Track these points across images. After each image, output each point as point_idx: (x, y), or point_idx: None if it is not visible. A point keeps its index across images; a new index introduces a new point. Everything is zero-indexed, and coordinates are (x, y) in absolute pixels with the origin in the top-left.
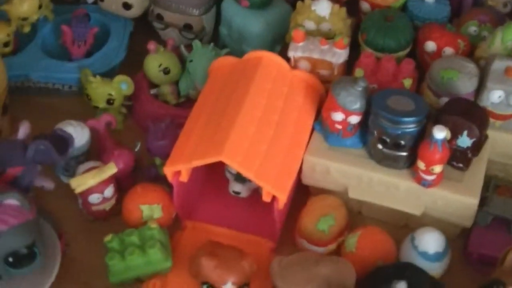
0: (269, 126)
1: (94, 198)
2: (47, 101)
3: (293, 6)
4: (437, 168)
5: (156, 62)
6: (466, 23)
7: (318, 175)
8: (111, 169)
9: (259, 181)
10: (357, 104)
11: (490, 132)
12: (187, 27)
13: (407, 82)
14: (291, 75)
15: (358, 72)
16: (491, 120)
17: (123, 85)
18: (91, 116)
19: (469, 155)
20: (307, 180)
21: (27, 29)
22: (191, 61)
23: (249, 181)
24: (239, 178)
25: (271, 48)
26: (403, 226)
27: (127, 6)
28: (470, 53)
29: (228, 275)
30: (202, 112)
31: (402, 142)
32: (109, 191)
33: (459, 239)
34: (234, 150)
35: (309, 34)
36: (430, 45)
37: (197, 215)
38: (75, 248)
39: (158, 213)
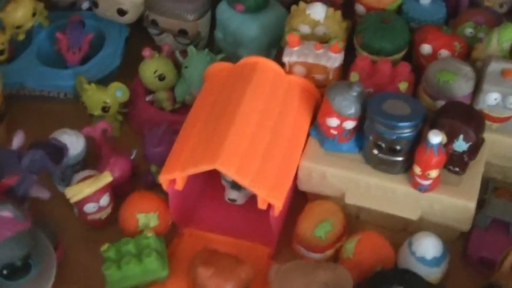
0: (265, 132)
1: (89, 207)
2: (43, 108)
3: (288, 9)
4: (433, 173)
5: (152, 68)
6: (462, 24)
7: (314, 181)
8: (106, 178)
9: (254, 189)
10: (352, 109)
11: (487, 135)
12: (182, 32)
13: (403, 86)
14: (286, 80)
15: (354, 76)
16: (488, 122)
17: (118, 92)
18: (87, 122)
19: (466, 159)
20: (303, 186)
21: (21, 37)
22: (186, 67)
23: (245, 188)
24: (235, 185)
25: (266, 52)
26: (401, 229)
27: (122, 12)
28: (466, 55)
29: (225, 283)
30: (197, 119)
31: (398, 147)
32: (104, 200)
33: (458, 241)
34: (229, 158)
35: (304, 38)
36: (426, 48)
37: (194, 222)
38: (72, 257)
39: (154, 222)
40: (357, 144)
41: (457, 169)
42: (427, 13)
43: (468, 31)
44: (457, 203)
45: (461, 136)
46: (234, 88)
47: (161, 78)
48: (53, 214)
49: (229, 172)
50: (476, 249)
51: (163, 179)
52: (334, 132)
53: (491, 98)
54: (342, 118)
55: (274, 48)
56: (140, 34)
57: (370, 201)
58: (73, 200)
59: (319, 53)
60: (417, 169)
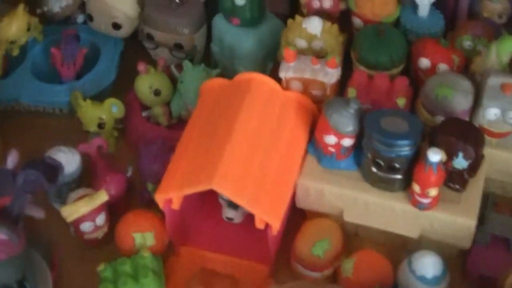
0: (261, 150)
1: (86, 226)
2: (38, 124)
3: (285, 21)
4: (433, 191)
5: (147, 83)
6: (461, 37)
7: (312, 199)
8: (102, 197)
9: (251, 209)
10: (350, 127)
11: (486, 150)
12: (178, 46)
13: (401, 101)
14: (282, 96)
15: (351, 92)
16: (488, 137)
17: (113, 108)
18: (83, 137)
19: (466, 176)
20: (301, 203)
21: (16, 52)
22: (182, 82)
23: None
24: (232, 204)
25: (263, 66)
26: (400, 247)
27: (116, 26)
28: (465, 68)
29: None
30: (192, 136)
31: (397, 165)
32: (101, 218)
33: (458, 257)
34: (225, 178)
35: (300, 52)
36: (424, 62)
37: (191, 241)
38: (67, 277)
39: (150, 241)
40: (356, 161)
41: (457, 186)
42: (425, 25)
43: (467, 43)
44: (457, 221)
45: (461, 154)
46: (229, 105)
47: (157, 93)
48: (49, 232)
49: (226, 192)
50: (476, 266)
51: (159, 198)
52: (332, 149)
53: (490, 113)
54: (340, 136)
55: (271, 62)
56: (135, 47)
57: (369, 219)
58: (69, 219)
59: (316, 68)
60: (416, 187)
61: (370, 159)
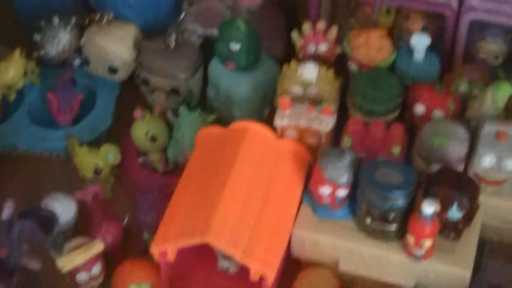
0: (256, 200)
1: (81, 276)
2: (35, 169)
3: (281, 63)
4: (427, 242)
5: (143, 129)
6: (456, 81)
7: (308, 249)
8: (98, 247)
9: (245, 262)
10: (345, 178)
11: (482, 198)
12: (174, 91)
13: (396, 150)
14: (277, 145)
15: (346, 140)
16: (483, 185)
17: (110, 155)
18: (80, 182)
19: (461, 226)
20: (297, 253)
21: (12, 97)
22: (178, 128)
23: None
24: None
25: (259, 111)
26: None
27: (113, 70)
28: (461, 112)
29: None
30: (187, 186)
31: (391, 217)
32: (96, 268)
33: None
34: (219, 231)
35: (296, 99)
36: (420, 108)
37: None
38: None
39: None
40: (351, 210)
41: (452, 235)
42: (421, 69)
43: (463, 87)
44: (452, 271)
45: (455, 205)
46: (224, 155)
47: (153, 139)
48: (45, 280)
49: (220, 245)
50: None
51: (155, 250)
52: (327, 200)
53: (486, 161)
54: (334, 186)
55: (267, 106)
56: (131, 91)
57: (364, 268)
58: (65, 270)
59: (311, 116)
60: (410, 239)
61: (365, 211)
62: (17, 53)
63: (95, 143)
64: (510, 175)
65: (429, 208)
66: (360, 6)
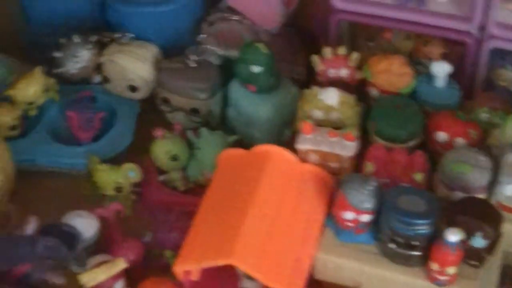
0: (280, 224)
1: None
2: (55, 185)
3: (302, 87)
4: (451, 270)
5: (164, 149)
6: (477, 109)
7: (330, 272)
8: (121, 265)
9: (270, 284)
10: (369, 204)
11: (505, 226)
12: (194, 111)
13: (418, 177)
14: (299, 169)
15: (368, 166)
16: (506, 213)
17: (131, 173)
18: (100, 199)
19: (484, 254)
20: (319, 275)
21: (33, 113)
22: (199, 148)
23: None
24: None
25: (280, 132)
26: None
27: (133, 89)
28: (482, 140)
29: None
30: (211, 206)
31: (415, 243)
32: (119, 285)
33: None
34: (244, 252)
35: (317, 123)
36: (441, 136)
37: None
38: None
39: None
40: (373, 235)
41: (474, 262)
42: (441, 96)
43: (484, 116)
44: None
45: (479, 234)
46: (247, 177)
47: (174, 159)
48: None
49: (244, 267)
50: None
51: (178, 269)
52: (350, 224)
53: (508, 190)
54: (358, 212)
55: (288, 129)
56: (151, 109)
57: None
58: (88, 286)
59: (333, 141)
60: (434, 266)
61: (388, 236)
62: (37, 71)
63: (115, 161)
64: None
65: (453, 236)
66: (379, 31)
